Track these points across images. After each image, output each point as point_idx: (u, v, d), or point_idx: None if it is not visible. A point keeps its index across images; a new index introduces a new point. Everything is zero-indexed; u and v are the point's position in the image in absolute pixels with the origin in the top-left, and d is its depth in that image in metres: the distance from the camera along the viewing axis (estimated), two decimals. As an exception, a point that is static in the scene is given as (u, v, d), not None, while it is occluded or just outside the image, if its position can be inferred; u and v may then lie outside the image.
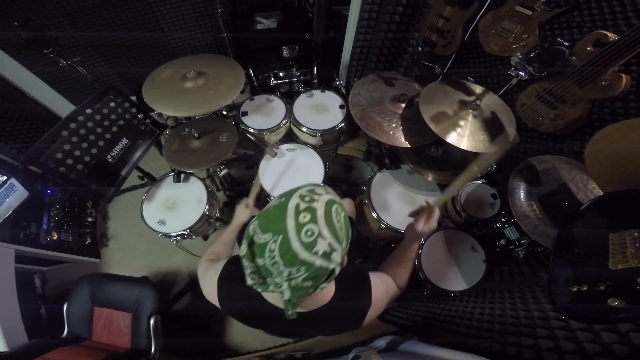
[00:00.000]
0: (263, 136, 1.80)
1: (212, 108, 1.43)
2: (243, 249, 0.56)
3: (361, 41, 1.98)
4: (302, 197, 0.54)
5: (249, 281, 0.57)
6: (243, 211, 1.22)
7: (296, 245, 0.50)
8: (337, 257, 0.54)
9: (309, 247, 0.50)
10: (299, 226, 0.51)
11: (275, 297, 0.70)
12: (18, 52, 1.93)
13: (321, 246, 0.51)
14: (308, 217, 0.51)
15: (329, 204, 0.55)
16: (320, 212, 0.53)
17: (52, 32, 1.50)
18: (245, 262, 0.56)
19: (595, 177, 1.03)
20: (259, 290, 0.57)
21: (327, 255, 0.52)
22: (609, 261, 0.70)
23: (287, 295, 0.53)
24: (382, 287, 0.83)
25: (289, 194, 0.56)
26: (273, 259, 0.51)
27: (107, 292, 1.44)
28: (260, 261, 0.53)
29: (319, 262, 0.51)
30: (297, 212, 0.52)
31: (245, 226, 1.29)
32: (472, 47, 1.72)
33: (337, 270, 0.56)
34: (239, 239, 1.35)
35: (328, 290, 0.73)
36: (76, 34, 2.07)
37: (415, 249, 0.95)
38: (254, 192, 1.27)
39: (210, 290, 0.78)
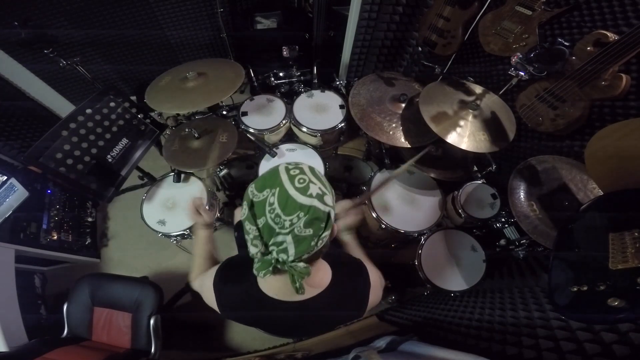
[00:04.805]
0: (263, 136, 1.79)
1: (217, 100, 1.42)
2: (244, 213, 0.61)
3: (361, 41, 1.99)
4: (289, 163, 0.64)
5: (252, 249, 0.60)
6: (197, 217, 1.04)
7: (292, 192, 0.56)
8: (329, 200, 0.60)
9: (304, 190, 0.57)
10: (292, 177, 0.58)
11: (274, 288, 0.71)
12: (18, 52, 1.93)
13: (313, 189, 0.58)
14: (297, 171, 0.60)
15: (311, 167, 0.64)
16: (306, 168, 0.62)
17: (52, 32, 1.49)
18: (248, 226, 0.60)
19: (595, 177, 1.03)
20: (262, 272, 0.57)
21: (320, 197, 0.58)
22: (609, 261, 0.70)
23: (291, 251, 0.57)
24: (375, 272, 0.85)
25: (277, 165, 0.64)
26: (274, 211, 0.56)
27: (107, 292, 1.44)
28: (261, 221, 0.58)
29: (315, 202, 0.57)
30: (288, 169, 0.60)
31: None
32: (472, 47, 1.72)
33: (332, 215, 0.61)
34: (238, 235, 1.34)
35: (323, 274, 0.73)
36: (76, 33, 2.07)
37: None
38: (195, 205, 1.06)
39: (209, 297, 0.78)
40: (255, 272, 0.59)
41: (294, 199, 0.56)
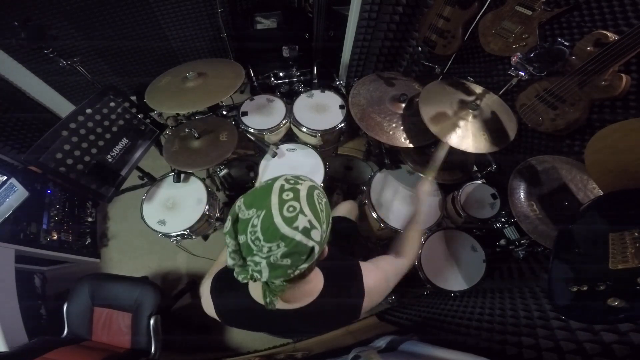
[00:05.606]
0: (263, 136, 1.80)
1: (217, 100, 1.42)
2: (227, 226, 0.57)
3: (361, 41, 1.98)
4: (287, 180, 0.58)
5: (229, 262, 0.58)
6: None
7: (278, 220, 0.52)
8: (317, 235, 0.55)
9: (290, 221, 0.52)
10: (282, 202, 0.54)
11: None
12: (18, 52, 1.93)
13: (301, 222, 0.53)
14: (291, 195, 0.55)
15: (311, 188, 0.58)
16: (303, 193, 0.56)
17: (52, 32, 1.49)
18: (228, 240, 0.57)
19: (595, 177, 1.03)
20: (240, 277, 0.56)
21: (306, 232, 0.53)
22: (609, 261, 0.70)
23: (265, 274, 0.54)
24: (378, 272, 0.83)
25: (274, 178, 0.60)
26: (255, 234, 0.53)
27: (107, 292, 1.44)
28: (242, 238, 0.55)
29: (298, 237, 0.53)
30: (282, 190, 0.55)
31: None
32: (472, 47, 1.72)
33: (317, 251, 0.56)
34: None
35: (315, 284, 0.73)
36: (76, 34, 2.07)
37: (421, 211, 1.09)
38: None
39: (208, 306, 0.79)
40: (235, 275, 0.57)
41: (277, 227, 0.52)
